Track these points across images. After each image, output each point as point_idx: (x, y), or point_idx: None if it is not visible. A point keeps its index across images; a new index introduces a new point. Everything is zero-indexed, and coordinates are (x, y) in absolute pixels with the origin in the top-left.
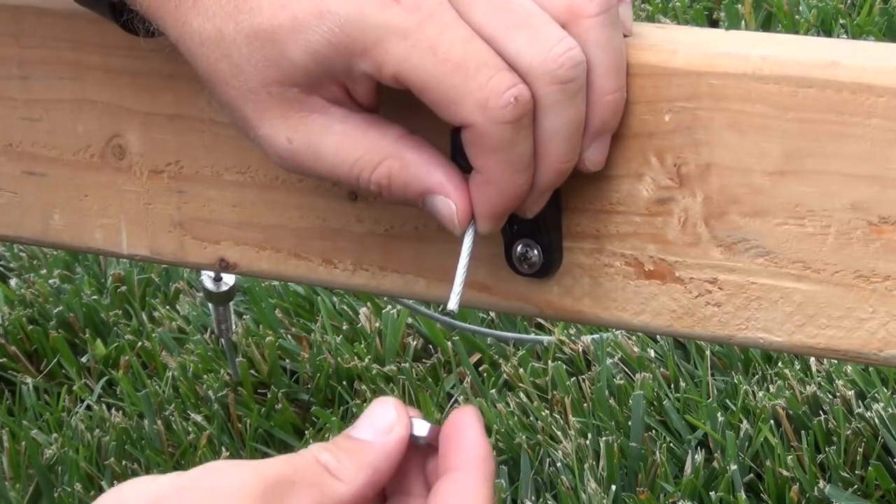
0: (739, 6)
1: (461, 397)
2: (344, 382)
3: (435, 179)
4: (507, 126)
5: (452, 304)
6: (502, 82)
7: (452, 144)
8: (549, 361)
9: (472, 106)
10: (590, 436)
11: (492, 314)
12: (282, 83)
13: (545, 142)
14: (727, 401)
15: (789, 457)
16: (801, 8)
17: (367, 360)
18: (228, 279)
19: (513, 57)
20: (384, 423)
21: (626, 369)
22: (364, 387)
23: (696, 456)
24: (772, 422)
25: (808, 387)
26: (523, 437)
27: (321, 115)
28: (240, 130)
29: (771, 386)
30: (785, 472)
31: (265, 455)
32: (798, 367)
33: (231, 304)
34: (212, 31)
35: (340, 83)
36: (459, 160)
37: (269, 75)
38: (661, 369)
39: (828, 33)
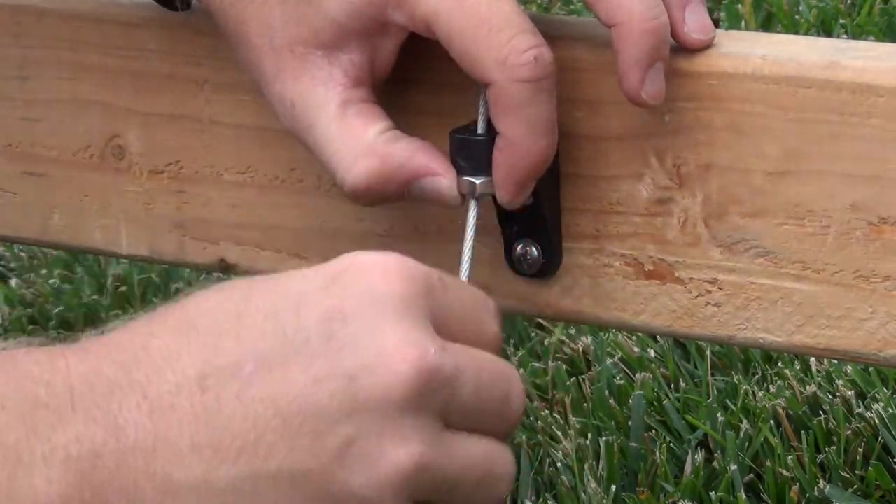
0: (739, 6)
1: None
2: None
3: (416, 164)
4: (525, 85)
5: None
6: (524, 42)
7: (452, 144)
8: (549, 361)
9: (492, 62)
10: (590, 436)
11: None
12: (308, 43)
13: None
14: (727, 401)
15: (789, 457)
16: (801, 8)
17: None
18: None
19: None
20: None
21: (626, 369)
22: None
23: (696, 456)
24: (772, 422)
25: (808, 387)
26: (523, 437)
27: (326, 90)
28: (254, 88)
29: (771, 386)
30: (785, 472)
31: None
32: (798, 367)
33: None
34: None
35: (367, 44)
36: (459, 160)
37: (297, 33)
38: (661, 369)
39: (828, 33)
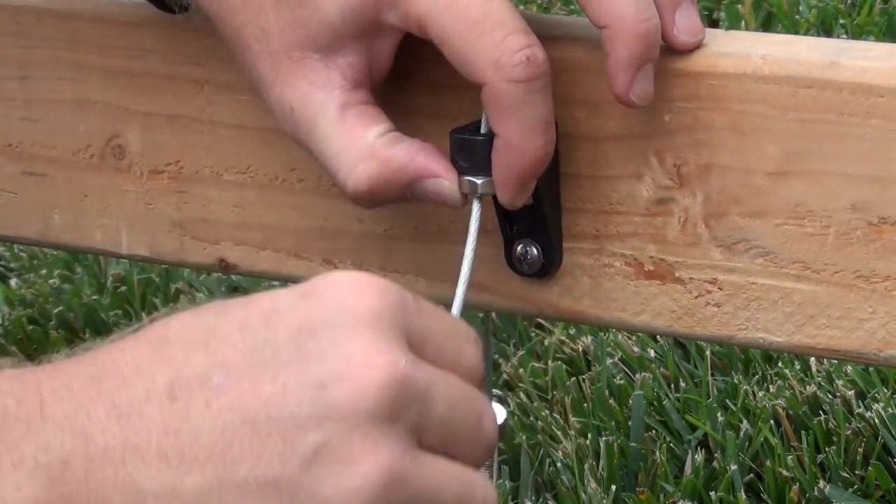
0: (739, 6)
1: None
2: None
3: (416, 165)
4: (519, 85)
5: (455, 310)
6: (516, 42)
7: (452, 145)
8: (549, 361)
9: (485, 63)
10: (590, 436)
11: (492, 314)
12: (304, 47)
13: None
14: (727, 401)
15: (789, 457)
16: (801, 8)
17: None
18: None
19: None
20: None
21: (626, 369)
22: None
23: (696, 456)
24: (772, 422)
25: (808, 387)
26: (523, 437)
27: (325, 93)
28: (254, 89)
29: (771, 386)
30: (785, 472)
31: None
32: (798, 367)
33: None
34: None
35: (363, 46)
36: (459, 160)
37: (294, 38)
38: (661, 369)
39: (828, 33)
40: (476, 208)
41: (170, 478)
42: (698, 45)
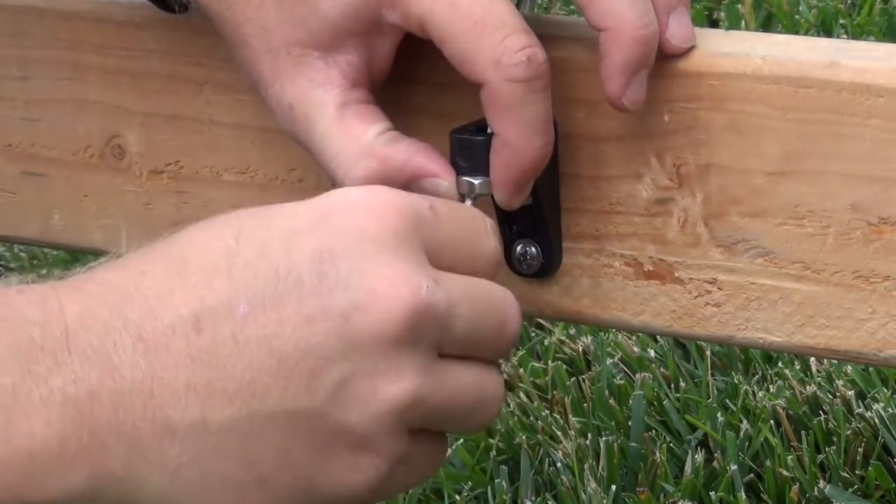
0: (739, 6)
1: None
2: None
3: (415, 164)
4: (518, 85)
5: None
6: (517, 42)
7: (452, 145)
8: (549, 361)
9: (485, 62)
10: (590, 436)
11: None
12: (304, 44)
13: None
14: (727, 401)
15: (789, 457)
16: (801, 8)
17: None
18: None
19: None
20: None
21: (626, 369)
22: None
23: (696, 456)
24: (772, 422)
25: (808, 387)
26: (523, 437)
27: (324, 91)
28: (254, 89)
29: (771, 386)
30: (785, 472)
31: None
32: (798, 367)
33: None
34: None
35: (363, 44)
36: (459, 160)
37: (294, 35)
38: (661, 369)
39: (828, 33)
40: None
41: (199, 410)
42: (687, 51)
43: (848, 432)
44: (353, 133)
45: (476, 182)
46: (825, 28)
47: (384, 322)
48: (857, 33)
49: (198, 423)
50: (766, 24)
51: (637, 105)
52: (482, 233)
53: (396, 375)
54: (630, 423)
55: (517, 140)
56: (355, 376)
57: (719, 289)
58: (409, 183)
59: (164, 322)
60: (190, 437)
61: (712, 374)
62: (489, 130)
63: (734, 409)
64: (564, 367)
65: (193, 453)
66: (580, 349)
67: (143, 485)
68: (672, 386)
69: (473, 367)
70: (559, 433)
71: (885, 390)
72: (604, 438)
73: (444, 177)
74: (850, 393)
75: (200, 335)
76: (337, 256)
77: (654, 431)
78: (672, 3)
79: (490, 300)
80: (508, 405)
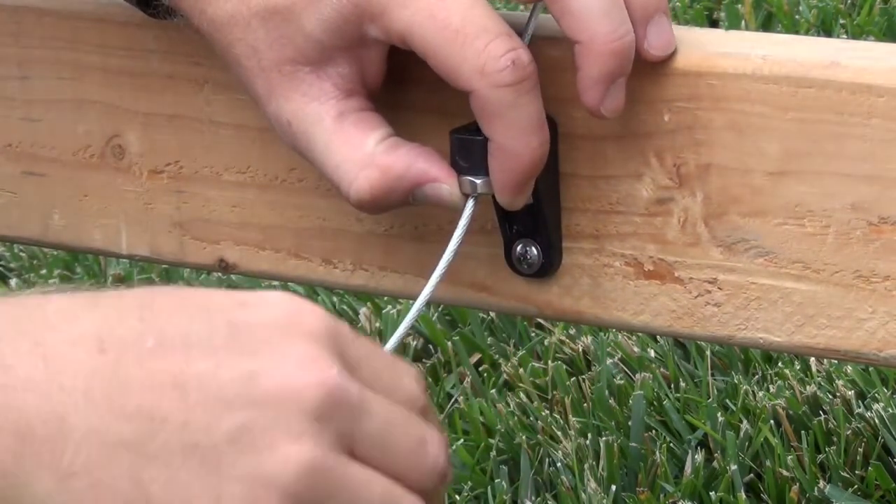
0: (739, 6)
1: (461, 397)
2: None
3: (416, 171)
4: (506, 89)
5: (432, 282)
6: (500, 46)
7: (452, 144)
8: (549, 361)
9: (470, 71)
10: (590, 436)
11: (491, 314)
12: (295, 61)
13: None
14: (727, 401)
15: (789, 457)
16: (801, 8)
17: None
18: None
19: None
20: None
21: (626, 369)
22: None
23: (696, 456)
24: (772, 422)
25: (808, 387)
26: (523, 437)
27: (319, 104)
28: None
29: (771, 386)
30: (785, 472)
31: None
32: (798, 367)
33: None
34: (224, 16)
35: (353, 57)
36: (460, 160)
37: (283, 54)
38: (661, 369)
39: (828, 33)
40: (469, 206)
41: (97, 420)
42: (668, 58)
43: (848, 432)
44: (353, 143)
45: (478, 181)
46: (825, 28)
47: (292, 388)
48: (857, 33)
49: (93, 433)
50: (766, 24)
51: (615, 112)
52: (406, 375)
53: (296, 441)
54: (630, 423)
55: (512, 143)
56: (255, 428)
57: (719, 289)
58: (411, 189)
59: (67, 335)
60: (84, 446)
61: (712, 374)
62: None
63: (734, 409)
64: (564, 367)
65: (86, 462)
66: (580, 349)
67: (30, 483)
68: (672, 386)
69: (385, 479)
70: (559, 433)
71: (885, 390)
72: (604, 438)
73: (445, 181)
74: (850, 393)
75: (103, 354)
76: (253, 329)
77: (654, 431)
78: (649, 12)
79: (405, 416)
80: (508, 405)
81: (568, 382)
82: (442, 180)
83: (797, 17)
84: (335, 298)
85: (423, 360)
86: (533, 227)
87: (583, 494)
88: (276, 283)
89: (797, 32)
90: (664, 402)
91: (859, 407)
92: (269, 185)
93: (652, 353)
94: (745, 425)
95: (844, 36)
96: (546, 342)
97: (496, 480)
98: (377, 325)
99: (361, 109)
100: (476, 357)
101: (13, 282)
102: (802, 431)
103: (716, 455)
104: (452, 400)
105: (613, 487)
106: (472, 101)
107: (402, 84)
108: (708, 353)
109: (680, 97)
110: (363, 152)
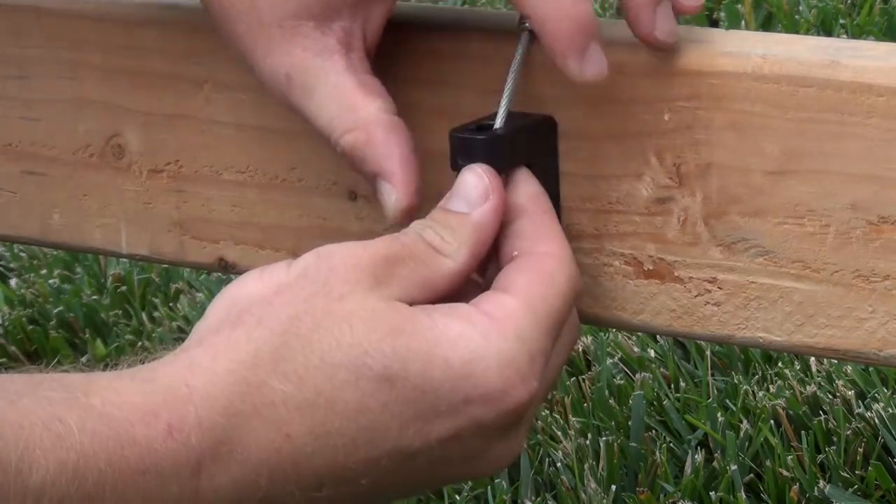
0: (739, 6)
1: None
2: None
3: (388, 166)
4: None
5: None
6: None
7: (452, 144)
8: None
9: None
10: (590, 436)
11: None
12: (298, 16)
13: None
14: (727, 401)
15: (789, 457)
16: (801, 8)
17: None
18: None
19: None
20: (477, 192)
21: (626, 369)
22: None
23: (696, 456)
24: (772, 422)
25: (808, 387)
26: None
27: (324, 60)
28: (241, 63)
29: (771, 386)
30: (785, 472)
31: None
32: (798, 367)
33: None
34: None
35: (357, 13)
36: (459, 160)
37: (285, 8)
38: (661, 369)
39: (828, 33)
40: (524, 41)
41: (312, 423)
42: (671, 48)
43: (848, 432)
44: (355, 103)
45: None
46: (825, 28)
47: (498, 413)
48: (857, 33)
49: (309, 432)
50: (766, 24)
51: (601, 76)
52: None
53: (496, 458)
54: (630, 423)
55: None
56: (461, 441)
57: (719, 288)
58: (374, 176)
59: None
60: (300, 442)
61: (712, 374)
62: (498, 124)
63: (734, 409)
64: (564, 366)
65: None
66: (580, 349)
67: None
68: (672, 386)
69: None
70: (559, 433)
71: (885, 390)
72: (604, 438)
73: (400, 193)
74: (850, 393)
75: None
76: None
77: (654, 431)
78: None
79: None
80: None
81: (568, 382)
82: (396, 188)
83: (797, 16)
84: None
85: None
86: None
87: (583, 494)
88: None
89: (797, 32)
90: (664, 402)
91: (859, 407)
92: (269, 184)
93: (652, 353)
94: (745, 425)
95: (844, 36)
96: None
97: (496, 480)
98: None
99: (365, 72)
100: None
101: (13, 282)
102: (802, 431)
103: (716, 455)
104: None
105: (613, 487)
106: None
107: (403, 83)
108: (708, 352)
109: (680, 97)
110: (365, 112)
